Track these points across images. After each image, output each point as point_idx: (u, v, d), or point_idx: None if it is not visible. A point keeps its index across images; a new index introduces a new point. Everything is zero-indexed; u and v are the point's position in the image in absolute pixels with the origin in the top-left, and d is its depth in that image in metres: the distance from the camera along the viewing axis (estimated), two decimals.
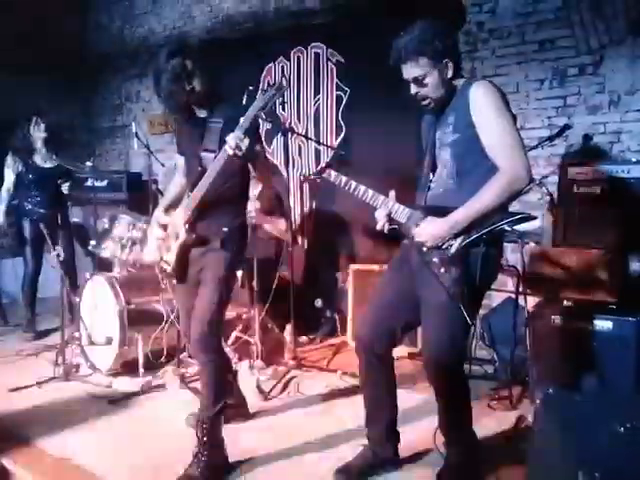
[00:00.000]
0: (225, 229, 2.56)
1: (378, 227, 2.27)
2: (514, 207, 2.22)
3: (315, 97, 5.11)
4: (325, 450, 2.73)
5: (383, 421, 2.45)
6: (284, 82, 2.38)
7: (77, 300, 3.94)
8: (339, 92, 4.97)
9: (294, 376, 3.68)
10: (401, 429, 2.52)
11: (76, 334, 3.94)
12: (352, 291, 4.37)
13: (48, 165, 4.68)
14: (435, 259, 2.10)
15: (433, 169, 2.26)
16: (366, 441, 2.49)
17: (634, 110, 3.71)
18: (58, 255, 3.64)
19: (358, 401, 3.21)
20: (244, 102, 3.27)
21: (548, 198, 3.66)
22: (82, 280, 4.06)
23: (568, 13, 3.88)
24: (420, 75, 2.14)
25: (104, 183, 5.56)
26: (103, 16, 6.91)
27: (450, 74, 2.16)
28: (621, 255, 3.14)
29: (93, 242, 4.06)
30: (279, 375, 3.65)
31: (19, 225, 4.73)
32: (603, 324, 2.95)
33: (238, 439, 2.75)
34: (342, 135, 4.97)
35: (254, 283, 3.85)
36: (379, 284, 2.44)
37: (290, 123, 5.17)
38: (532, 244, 3.56)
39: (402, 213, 2.23)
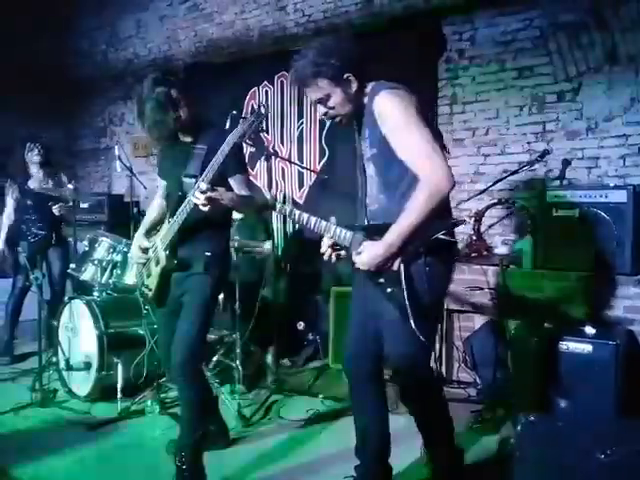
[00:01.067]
0: (208, 253, 2.54)
1: (325, 258, 2.22)
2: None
3: (299, 121, 5.15)
4: (308, 476, 2.69)
5: (372, 452, 2.35)
6: (262, 110, 2.35)
7: (55, 324, 3.88)
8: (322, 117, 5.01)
9: (276, 400, 3.64)
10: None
11: (54, 359, 3.87)
12: (333, 313, 4.35)
13: (47, 189, 4.66)
14: (381, 279, 2.07)
15: (362, 182, 2.22)
16: (351, 471, 2.43)
17: (612, 136, 3.78)
18: (36, 278, 3.58)
19: (341, 426, 3.21)
20: (227, 126, 3.28)
21: (528, 222, 3.71)
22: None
23: (546, 41, 3.97)
24: (323, 97, 2.09)
25: (85, 205, 5.53)
26: (87, 40, 6.93)
27: (355, 87, 2.09)
28: (598, 277, 3.18)
29: (73, 265, 4.01)
30: (261, 399, 3.61)
31: (15, 247, 4.70)
32: (583, 347, 2.96)
33: (219, 465, 2.70)
34: (325, 158, 5.00)
35: (236, 306, 3.82)
36: (350, 313, 2.37)
37: (273, 146, 5.20)
38: (512, 267, 3.60)
39: (344, 238, 2.16)
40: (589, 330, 3.01)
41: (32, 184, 4.64)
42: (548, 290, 3.40)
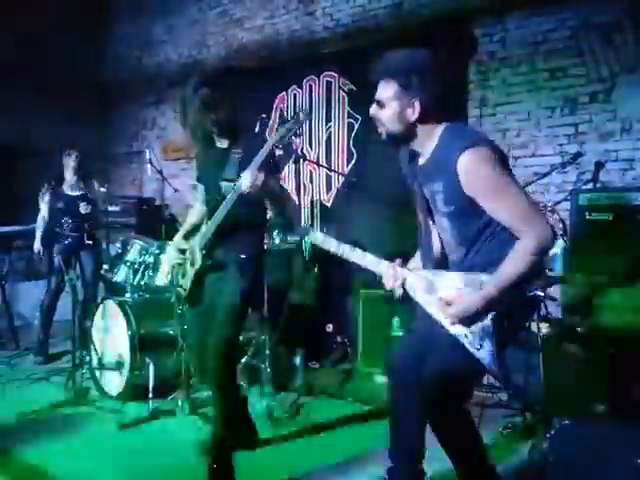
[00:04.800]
0: (243, 256, 2.58)
1: (397, 295, 2.07)
2: None
3: (327, 124, 5.16)
4: (337, 478, 2.69)
5: (404, 453, 2.26)
6: (301, 116, 2.41)
7: (88, 324, 3.96)
8: (351, 120, 5.02)
9: (305, 402, 3.65)
10: None
11: (87, 358, 3.95)
12: (362, 316, 4.35)
13: (75, 193, 4.77)
14: (467, 333, 1.92)
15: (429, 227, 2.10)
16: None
17: None
18: (70, 279, 3.67)
19: (370, 428, 3.20)
20: (257, 130, 3.33)
21: (560, 225, 3.65)
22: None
23: (578, 42, 3.91)
24: (383, 99, 1.97)
25: (117, 208, 5.63)
26: (120, 45, 7.07)
27: (413, 116, 1.93)
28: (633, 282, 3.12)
29: (106, 266, 4.08)
30: (289, 401, 3.62)
31: (51, 249, 4.82)
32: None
33: (248, 467, 2.71)
34: (353, 162, 5.00)
35: (265, 308, 3.84)
36: (414, 324, 2.27)
37: (302, 150, 5.22)
38: (545, 271, 3.54)
39: (415, 284, 2.04)
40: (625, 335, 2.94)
41: (65, 188, 4.76)
42: (580, 294, 3.35)
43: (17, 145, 5.40)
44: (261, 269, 2.72)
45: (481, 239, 1.94)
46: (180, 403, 3.48)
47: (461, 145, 1.84)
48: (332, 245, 2.13)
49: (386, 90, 1.96)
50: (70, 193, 4.76)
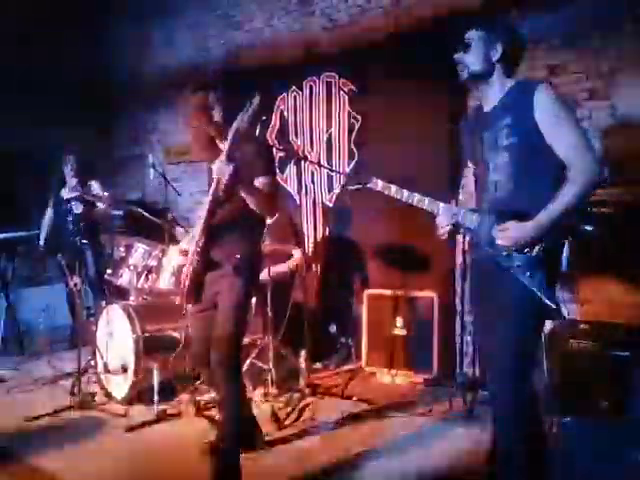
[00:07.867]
0: (237, 256, 2.58)
1: (441, 233, 2.26)
2: None
3: (327, 125, 5.17)
4: (342, 478, 2.70)
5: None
6: (253, 104, 2.46)
7: (93, 328, 3.98)
8: (351, 120, 5.02)
9: (309, 403, 3.66)
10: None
11: (92, 362, 3.96)
12: (366, 316, 4.36)
13: (71, 195, 4.82)
14: (518, 263, 2.08)
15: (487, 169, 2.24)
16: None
17: None
18: (75, 285, 3.69)
19: (374, 428, 3.21)
20: (257, 133, 3.33)
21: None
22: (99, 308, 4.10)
23: (576, 38, 3.91)
24: (469, 41, 2.18)
25: (120, 212, 5.64)
26: (120, 48, 7.08)
27: (495, 57, 2.18)
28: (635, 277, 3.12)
29: (109, 270, 4.11)
30: (294, 402, 3.63)
31: (55, 254, 4.89)
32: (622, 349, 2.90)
33: (254, 467, 2.73)
34: (354, 161, 5.01)
35: (268, 310, 3.85)
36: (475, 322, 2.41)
37: (303, 151, 5.23)
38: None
39: (471, 218, 2.22)
40: (628, 331, 2.94)
41: (65, 192, 4.82)
42: (584, 291, 3.35)
43: (18, 150, 5.44)
44: (258, 268, 2.74)
45: (535, 179, 2.11)
46: (185, 405, 3.50)
47: (537, 82, 2.13)
48: (392, 190, 2.39)
49: (475, 34, 2.19)
50: (67, 196, 4.82)
